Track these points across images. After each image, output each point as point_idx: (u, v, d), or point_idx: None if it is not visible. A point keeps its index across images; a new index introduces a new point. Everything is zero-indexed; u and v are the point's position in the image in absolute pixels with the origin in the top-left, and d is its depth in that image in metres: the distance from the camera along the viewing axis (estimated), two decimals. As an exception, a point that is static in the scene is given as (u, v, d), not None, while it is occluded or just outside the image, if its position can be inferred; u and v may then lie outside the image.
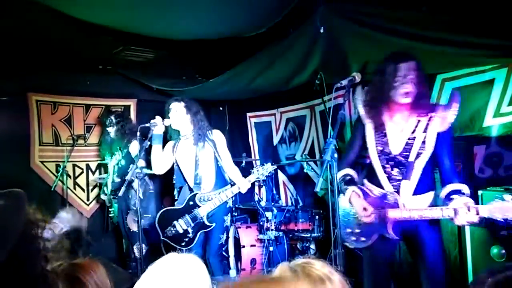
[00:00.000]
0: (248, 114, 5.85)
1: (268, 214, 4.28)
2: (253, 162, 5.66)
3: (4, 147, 4.42)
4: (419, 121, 2.37)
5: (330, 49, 3.56)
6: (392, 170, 2.41)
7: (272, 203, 4.64)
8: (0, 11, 3.05)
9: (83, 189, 5.01)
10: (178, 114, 3.53)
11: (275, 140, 5.51)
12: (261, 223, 4.27)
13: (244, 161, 4.97)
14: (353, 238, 2.52)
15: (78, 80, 4.91)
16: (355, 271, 3.18)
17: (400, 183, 2.38)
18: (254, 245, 4.29)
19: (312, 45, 3.57)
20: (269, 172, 3.54)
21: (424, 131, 2.34)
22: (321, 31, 3.26)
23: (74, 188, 4.94)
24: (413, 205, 2.33)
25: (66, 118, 4.92)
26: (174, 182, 3.69)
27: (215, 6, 2.95)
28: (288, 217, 4.38)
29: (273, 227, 4.18)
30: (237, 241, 4.41)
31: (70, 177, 4.83)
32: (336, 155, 2.20)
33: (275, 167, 3.71)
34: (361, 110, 2.54)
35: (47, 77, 4.72)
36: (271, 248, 4.14)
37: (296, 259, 1.11)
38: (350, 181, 2.57)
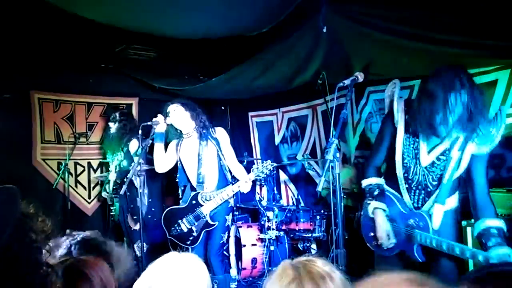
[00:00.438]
0: (250, 114, 5.85)
1: (269, 214, 4.28)
2: (255, 161, 5.66)
3: (6, 145, 4.43)
4: (457, 138, 2.23)
5: (332, 49, 3.55)
6: (416, 183, 2.36)
7: (273, 203, 4.63)
8: (3, 9, 3.06)
9: (84, 187, 5.02)
10: (177, 113, 3.53)
11: (277, 139, 5.51)
12: (262, 222, 4.27)
13: (245, 161, 4.97)
14: (375, 243, 2.53)
15: (80, 78, 4.91)
16: (356, 271, 3.17)
17: (421, 198, 2.35)
18: (255, 245, 4.29)
19: (315, 45, 3.57)
20: (269, 170, 3.52)
21: (460, 150, 2.21)
22: (324, 30, 3.25)
23: (76, 186, 4.95)
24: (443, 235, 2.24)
25: (68, 116, 4.93)
26: (177, 181, 3.70)
27: (218, 5, 2.95)
28: (289, 217, 4.37)
29: (274, 227, 4.18)
30: (238, 240, 4.41)
31: (71, 175, 4.84)
32: (338, 155, 2.19)
33: (275, 164, 3.70)
34: (395, 108, 2.43)
35: (50, 75, 4.72)
36: (272, 248, 4.14)
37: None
38: (378, 194, 2.49)
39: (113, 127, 4.45)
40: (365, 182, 2.57)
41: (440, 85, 2.14)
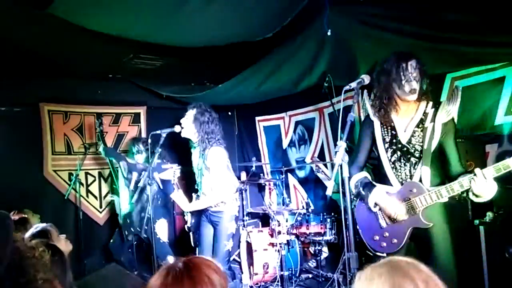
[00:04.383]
0: (257, 118, 5.87)
1: (280, 218, 4.28)
2: (263, 166, 5.67)
3: (18, 157, 4.49)
4: (426, 113, 2.46)
5: (337, 52, 3.56)
6: (400, 159, 2.48)
7: (283, 207, 4.63)
8: (12, 23, 3.11)
9: (95, 197, 5.06)
10: (186, 122, 3.57)
11: (285, 143, 5.51)
12: (273, 227, 4.27)
13: (254, 165, 4.98)
14: (384, 244, 2.51)
15: (88, 89, 4.97)
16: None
17: (408, 171, 2.45)
18: (266, 249, 4.29)
19: (320, 48, 3.58)
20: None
21: (432, 122, 2.43)
22: (328, 33, 3.26)
23: (87, 196, 4.99)
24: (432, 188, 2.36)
25: (78, 127, 4.98)
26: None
27: (222, 12, 2.97)
28: (299, 221, 4.37)
29: (285, 231, 4.18)
30: (249, 245, 4.41)
31: (82, 185, 4.88)
32: (346, 158, 2.20)
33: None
34: (369, 109, 2.63)
35: (59, 87, 4.78)
36: (283, 252, 4.13)
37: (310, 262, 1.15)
38: (369, 184, 2.59)
39: (141, 158, 4.48)
40: (352, 180, 2.62)
41: (393, 62, 2.42)
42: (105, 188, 5.11)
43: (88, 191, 5.00)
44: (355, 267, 2.09)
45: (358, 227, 2.65)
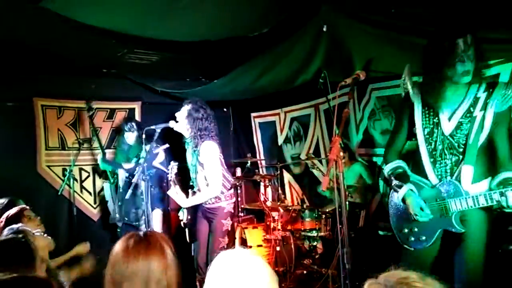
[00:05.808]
0: (252, 114, 5.86)
1: (274, 214, 4.28)
2: (258, 162, 5.67)
3: (11, 153, 4.45)
4: (476, 98, 2.18)
5: (333, 48, 3.56)
6: (441, 153, 2.26)
7: (278, 203, 4.63)
8: (5, 16, 3.08)
9: (90, 193, 5.03)
10: (180, 117, 3.56)
11: (280, 139, 5.51)
12: (268, 223, 4.27)
13: (249, 162, 4.98)
14: (412, 239, 2.41)
15: (83, 84, 4.93)
16: (365, 270, 3.16)
17: (448, 167, 2.25)
18: (261, 245, 4.30)
19: (315, 44, 3.57)
20: None
21: (482, 110, 2.15)
22: (324, 29, 3.26)
23: (81, 192, 4.96)
24: (474, 191, 2.17)
25: (71, 122, 4.94)
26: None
27: (218, 7, 2.96)
28: (294, 217, 4.37)
29: (279, 227, 4.18)
30: (244, 241, 4.42)
31: (76, 181, 4.84)
32: (341, 154, 2.20)
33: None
34: (410, 88, 2.41)
35: (52, 82, 4.74)
36: (278, 248, 4.14)
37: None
38: (402, 175, 2.43)
39: (133, 136, 4.44)
40: (387, 167, 2.49)
41: (446, 37, 2.13)
42: (99, 184, 5.08)
43: (82, 187, 4.97)
44: (349, 263, 2.10)
45: (390, 214, 2.54)
